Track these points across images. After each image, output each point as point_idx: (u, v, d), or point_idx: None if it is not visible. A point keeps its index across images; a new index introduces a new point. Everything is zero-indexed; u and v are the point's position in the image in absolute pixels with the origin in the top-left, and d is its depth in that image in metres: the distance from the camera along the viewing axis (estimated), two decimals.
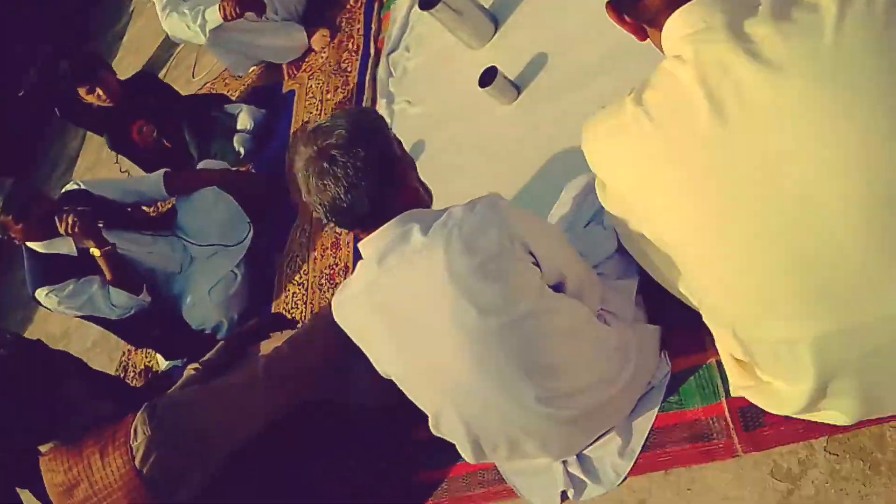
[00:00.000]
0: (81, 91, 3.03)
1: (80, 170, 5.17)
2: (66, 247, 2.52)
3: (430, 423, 1.49)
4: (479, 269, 1.26)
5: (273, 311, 2.64)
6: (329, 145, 1.30)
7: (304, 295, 2.56)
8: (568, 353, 1.34)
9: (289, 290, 2.64)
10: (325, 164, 1.29)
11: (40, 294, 2.48)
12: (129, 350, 3.21)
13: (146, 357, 3.08)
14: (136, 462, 1.54)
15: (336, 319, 1.50)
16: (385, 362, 1.43)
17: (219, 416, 1.65)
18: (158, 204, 3.09)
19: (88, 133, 5.37)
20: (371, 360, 1.47)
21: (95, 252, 2.44)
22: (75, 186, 2.70)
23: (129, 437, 1.55)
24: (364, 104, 2.78)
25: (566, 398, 1.36)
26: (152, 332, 2.75)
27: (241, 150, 3.17)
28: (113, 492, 1.55)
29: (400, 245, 1.32)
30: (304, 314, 2.50)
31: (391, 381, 1.92)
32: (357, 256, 2.38)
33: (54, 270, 2.48)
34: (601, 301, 1.47)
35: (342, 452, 1.84)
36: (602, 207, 1.59)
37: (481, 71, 2.22)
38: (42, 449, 1.64)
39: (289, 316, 2.43)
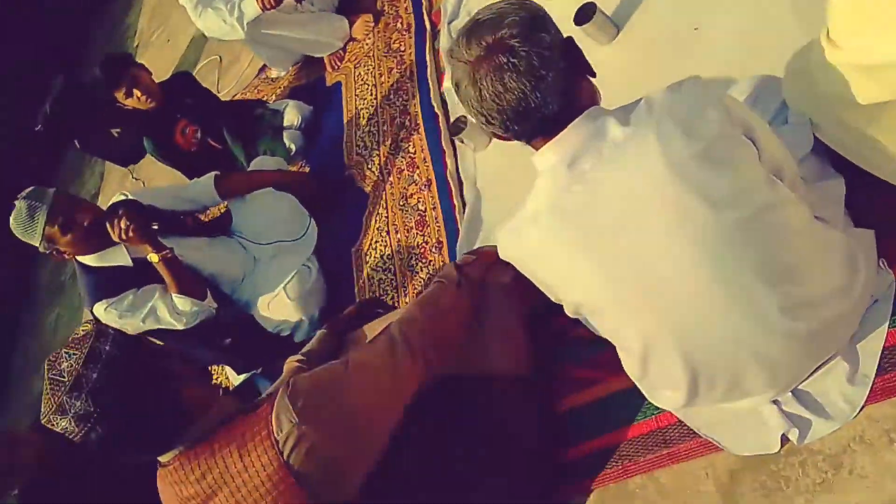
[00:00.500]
0: (119, 95, 2.85)
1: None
2: (120, 257, 2.29)
3: (629, 364, 1.27)
4: (704, 155, 1.05)
5: (357, 299, 2.42)
6: (504, 36, 1.09)
7: (391, 280, 2.34)
8: (807, 253, 1.13)
9: (373, 278, 2.42)
10: (502, 59, 1.08)
11: (98, 310, 2.24)
12: None
13: (214, 375, 2.83)
14: (286, 456, 1.27)
15: (503, 254, 1.29)
16: (578, 288, 1.21)
17: (367, 393, 1.40)
18: (209, 210, 2.88)
19: (107, 168, 5.20)
20: (553, 290, 1.25)
21: (153, 258, 2.21)
22: (122, 197, 2.48)
23: (271, 429, 1.29)
24: (428, 79, 2.59)
25: (809, 308, 1.14)
26: (223, 341, 2.51)
27: (292, 147, 2.98)
28: (261, 497, 1.29)
29: (595, 142, 1.11)
30: (395, 300, 2.27)
31: (525, 347, 1.71)
32: (450, 228, 2.21)
33: (110, 283, 2.25)
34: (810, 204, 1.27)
35: (488, 433, 1.61)
36: (783, 104, 1.40)
37: (568, 12, 2.04)
38: (162, 459, 1.37)
39: None
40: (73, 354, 1.29)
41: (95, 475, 2.09)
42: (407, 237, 2.36)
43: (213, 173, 2.58)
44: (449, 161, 2.32)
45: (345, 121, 2.96)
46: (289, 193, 2.64)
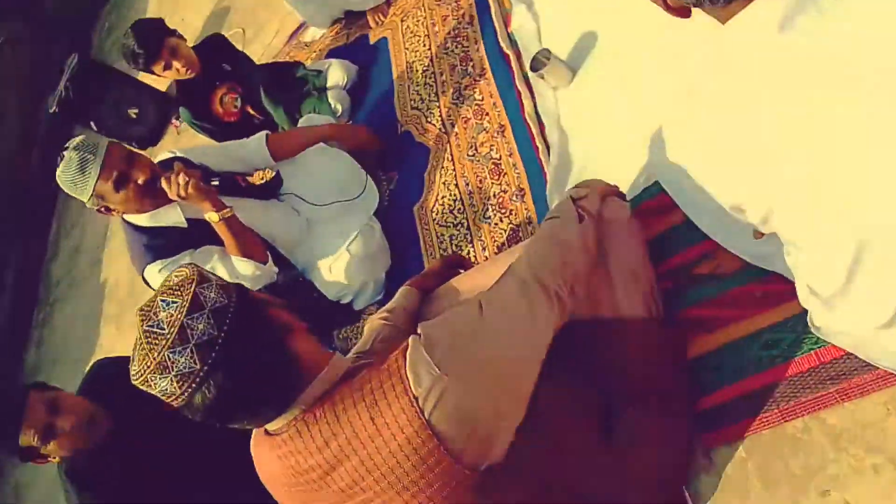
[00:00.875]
0: (157, 69, 2.65)
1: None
2: (173, 217, 2.10)
3: (823, 275, 1.10)
4: None
5: (425, 260, 2.25)
6: None
7: (466, 234, 2.17)
8: None
9: (442, 235, 2.24)
10: None
11: (152, 271, 2.04)
12: None
13: None
14: (427, 414, 1.07)
15: None
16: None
17: (508, 341, 1.20)
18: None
19: None
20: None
21: (213, 217, 2.03)
22: (171, 155, 2.31)
23: (407, 385, 1.09)
24: (494, 22, 2.42)
25: None
26: None
27: (338, 108, 2.80)
28: (398, 464, 1.09)
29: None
30: (474, 255, 2.10)
31: (652, 287, 1.53)
32: (533, 173, 2.04)
33: (164, 244, 2.06)
34: None
35: (623, 374, 1.43)
36: None
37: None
38: (272, 427, 1.18)
39: None
40: (174, 303, 1.07)
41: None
42: (480, 188, 2.19)
43: (263, 132, 2.40)
44: (526, 102, 2.15)
45: (394, 76, 2.78)
46: (343, 151, 2.47)
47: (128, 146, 2.40)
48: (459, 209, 2.24)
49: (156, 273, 2.03)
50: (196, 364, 1.05)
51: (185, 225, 2.11)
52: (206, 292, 1.10)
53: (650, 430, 1.38)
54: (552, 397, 1.27)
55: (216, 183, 2.10)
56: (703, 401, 1.46)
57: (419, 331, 1.17)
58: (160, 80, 4.36)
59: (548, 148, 2.03)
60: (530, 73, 2.12)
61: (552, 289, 1.29)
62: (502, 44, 2.33)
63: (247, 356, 1.09)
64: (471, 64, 2.43)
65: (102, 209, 2.03)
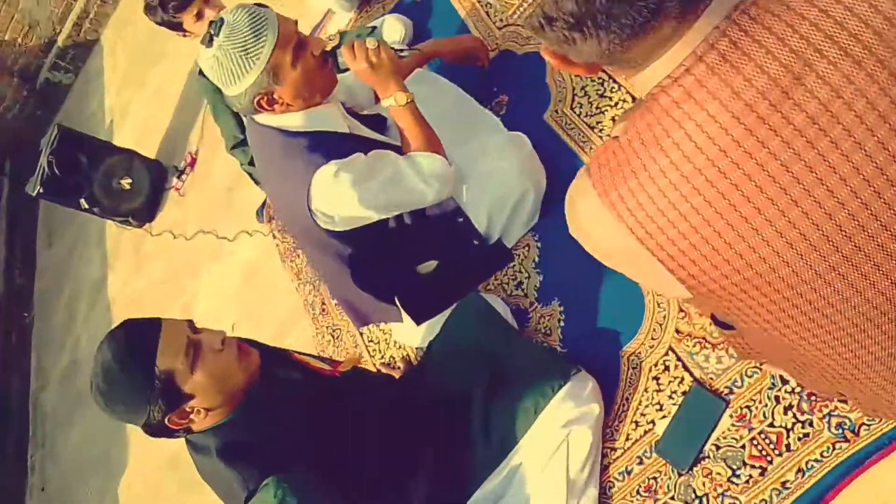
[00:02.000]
0: (187, 18, 2.29)
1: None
2: (332, 118, 1.70)
3: None
4: None
5: (586, 159, 1.87)
6: None
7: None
8: None
9: (599, 122, 1.88)
10: None
11: (324, 176, 1.56)
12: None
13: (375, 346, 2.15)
14: None
15: None
16: None
17: None
18: None
19: None
20: None
21: (401, 98, 1.66)
22: None
23: None
24: None
25: None
26: (425, 260, 1.89)
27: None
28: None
29: None
30: None
31: None
32: None
33: (331, 148, 1.62)
34: None
35: None
36: None
37: None
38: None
39: None
40: None
41: None
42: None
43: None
44: None
45: (463, 14, 2.47)
46: (439, 77, 2.12)
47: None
48: (612, 88, 1.89)
49: (330, 177, 1.57)
50: None
51: (347, 130, 1.72)
52: None
53: None
54: None
55: (405, 54, 1.71)
56: None
57: None
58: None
59: None
60: None
61: None
62: None
63: None
64: None
65: (262, 100, 1.58)
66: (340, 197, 1.57)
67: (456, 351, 1.79)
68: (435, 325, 1.97)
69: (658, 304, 1.65)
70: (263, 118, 1.66)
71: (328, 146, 1.61)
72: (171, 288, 3.60)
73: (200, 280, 3.41)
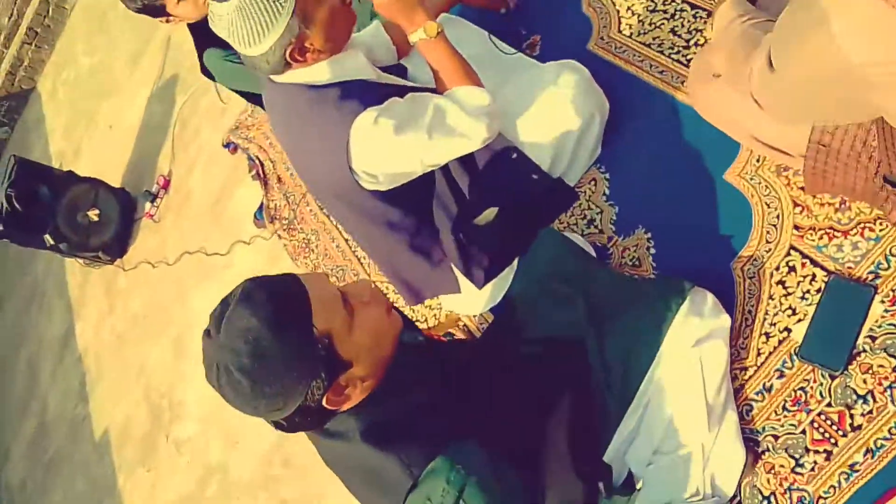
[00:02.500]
0: (171, 2, 2.09)
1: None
2: (358, 64, 1.53)
3: None
4: None
5: (648, 78, 1.74)
6: None
7: (694, 14, 1.70)
8: None
9: (658, 38, 1.77)
10: None
11: (364, 123, 1.39)
12: None
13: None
14: None
15: None
16: None
17: None
18: None
19: None
20: None
21: (432, 30, 1.47)
22: None
23: None
24: None
25: None
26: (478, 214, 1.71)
27: None
28: None
29: None
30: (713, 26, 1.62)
31: None
32: None
33: (363, 95, 1.45)
34: None
35: None
36: None
37: None
38: None
39: None
40: None
41: None
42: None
43: (375, 21, 1.86)
44: None
45: None
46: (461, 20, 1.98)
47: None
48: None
49: (370, 124, 1.40)
50: None
51: (374, 76, 1.55)
52: None
53: None
54: None
55: None
56: None
57: None
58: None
59: None
60: None
61: None
62: None
63: None
64: None
65: (295, 52, 1.39)
66: (383, 146, 1.41)
67: (543, 290, 1.59)
68: (494, 289, 1.79)
69: (767, 205, 1.50)
70: (288, 76, 1.48)
71: (361, 93, 1.44)
72: (156, 321, 3.30)
73: (192, 305, 3.12)
